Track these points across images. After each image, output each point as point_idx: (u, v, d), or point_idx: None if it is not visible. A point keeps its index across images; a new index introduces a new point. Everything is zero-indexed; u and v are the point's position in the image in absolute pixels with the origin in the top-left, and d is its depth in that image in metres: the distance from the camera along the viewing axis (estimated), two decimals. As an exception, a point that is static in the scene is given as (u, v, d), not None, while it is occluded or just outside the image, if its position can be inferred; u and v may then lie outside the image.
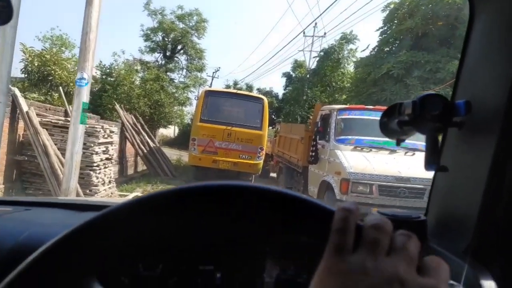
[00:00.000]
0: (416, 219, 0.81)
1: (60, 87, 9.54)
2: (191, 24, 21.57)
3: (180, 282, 0.61)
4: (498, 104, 0.66)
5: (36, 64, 10.57)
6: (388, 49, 14.50)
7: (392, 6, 13.95)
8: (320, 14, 36.41)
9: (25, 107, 6.47)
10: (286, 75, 26.34)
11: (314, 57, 23.15)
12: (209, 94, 10.98)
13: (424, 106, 0.71)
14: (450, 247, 0.72)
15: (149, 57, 21.47)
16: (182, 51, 22.23)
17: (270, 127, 13.40)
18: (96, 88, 14.80)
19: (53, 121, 6.93)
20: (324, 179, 6.66)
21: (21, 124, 6.67)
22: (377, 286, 0.34)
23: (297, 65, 25.46)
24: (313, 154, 7.14)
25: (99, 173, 7.29)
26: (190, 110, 22.41)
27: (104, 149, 7.51)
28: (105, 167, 7.62)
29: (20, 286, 0.43)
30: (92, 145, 6.99)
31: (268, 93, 26.35)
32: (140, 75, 17.65)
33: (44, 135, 6.49)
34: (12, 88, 6.51)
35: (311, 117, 19.56)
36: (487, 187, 0.66)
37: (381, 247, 0.36)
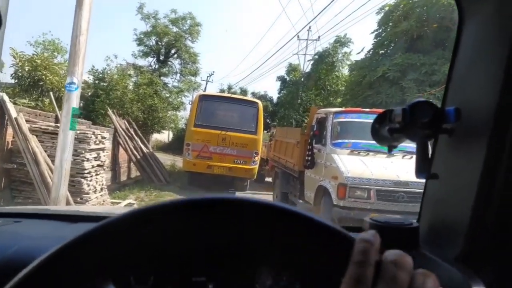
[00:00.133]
0: (408, 226, 0.81)
1: (51, 93, 9.36)
2: (184, 28, 21.49)
3: None
4: (489, 110, 0.67)
5: (26, 69, 10.39)
6: (383, 51, 14.46)
7: (386, 8, 13.94)
8: (314, 18, 36.50)
9: (13, 113, 6.30)
10: (281, 78, 26.33)
11: (308, 61, 23.17)
12: (203, 98, 10.88)
13: (414, 114, 0.71)
14: (442, 254, 0.73)
15: (142, 62, 21.36)
16: (175, 55, 22.12)
17: (265, 131, 13.28)
18: (89, 93, 14.63)
19: (43, 127, 6.76)
20: (321, 184, 6.54)
21: (10, 131, 6.49)
22: None
23: (292, 68, 25.47)
24: (309, 158, 7.01)
25: (91, 180, 7.12)
26: (184, 114, 22.26)
27: (96, 155, 7.34)
28: (96, 174, 7.44)
29: None
30: (83, 151, 6.82)
31: (262, 97, 26.27)
32: (133, 79, 17.49)
33: (34, 142, 6.32)
34: (0, 93, 6.34)
35: (306, 120, 19.63)
36: (478, 193, 0.67)
37: (400, 285, 0.36)
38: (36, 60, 10.56)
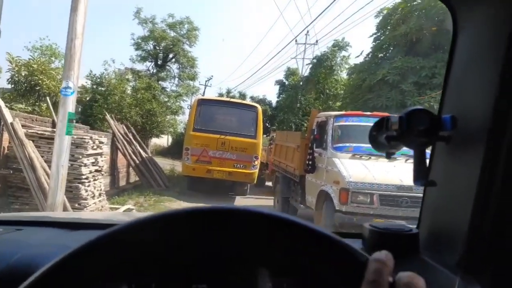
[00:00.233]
0: (408, 232, 0.83)
1: (48, 97, 9.25)
2: (182, 33, 21.43)
3: None
4: (485, 117, 0.67)
5: (23, 74, 10.29)
6: (382, 55, 14.40)
7: (385, 12, 13.90)
8: (312, 21, 36.58)
9: (9, 118, 6.19)
10: (279, 82, 26.30)
11: (307, 65, 23.15)
12: (202, 102, 10.80)
13: (410, 121, 0.72)
14: (441, 259, 0.74)
15: (140, 66, 21.27)
16: (173, 59, 22.06)
17: (264, 135, 13.20)
18: (87, 98, 14.54)
19: (39, 132, 6.65)
20: (322, 189, 6.43)
21: (5, 136, 6.39)
22: None
23: (290, 72, 25.44)
24: (310, 162, 6.91)
25: (88, 185, 7.01)
26: (183, 119, 22.20)
27: (93, 160, 7.23)
28: (94, 180, 7.33)
29: None
30: (81, 156, 6.71)
31: (261, 101, 26.18)
32: (131, 84, 17.40)
33: (30, 147, 6.21)
34: (-5, 98, 6.25)
35: (305, 124, 19.60)
36: (476, 199, 0.68)
37: None
38: (33, 65, 10.47)
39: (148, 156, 12.14)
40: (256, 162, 10.51)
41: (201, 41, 28.57)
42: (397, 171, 5.59)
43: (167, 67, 22.17)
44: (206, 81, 30.60)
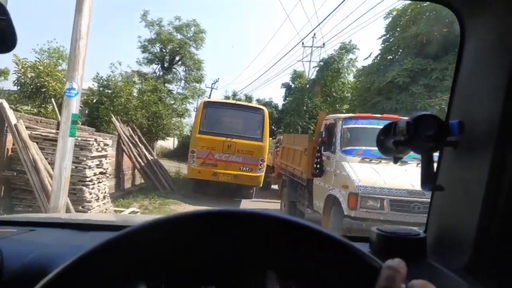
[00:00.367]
0: (415, 236, 0.84)
1: (53, 99, 9.21)
2: (189, 35, 21.37)
3: None
4: (492, 122, 0.68)
5: (29, 76, 10.26)
6: (391, 57, 14.19)
7: (394, 13, 13.69)
8: (318, 24, 36.43)
9: (13, 120, 6.12)
10: (286, 85, 26.20)
11: (313, 67, 23.01)
12: (208, 105, 10.72)
13: (418, 127, 0.73)
14: (449, 264, 0.75)
15: (147, 69, 21.24)
16: (180, 62, 22.00)
17: (270, 138, 13.08)
18: (94, 101, 14.54)
19: (43, 134, 6.58)
20: (330, 193, 6.28)
21: (9, 138, 6.32)
22: None
23: (296, 75, 25.33)
24: (318, 166, 6.76)
25: (93, 188, 6.92)
26: (189, 121, 22.10)
27: (98, 163, 7.15)
28: (99, 182, 7.24)
29: None
30: (85, 159, 6.63)
31: (267, 104, 26.09)
32: (137, 86, 17.38)
33: (34, 149, 6.13)
34: None
35: (312, 127, 19.45)
36: (483, 204, 0.68)
37: None
38: (39, 67, 10.44)
39: (153, 159, 12.06)
40: (262, 165, 10.39)
41: (207, 43, 28.52)
42: (408, 175, 5.41)
43: (174, 69, 22.12)
44: (212, 83, 30.61)
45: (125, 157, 11.09)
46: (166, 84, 19.90)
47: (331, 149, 6.63)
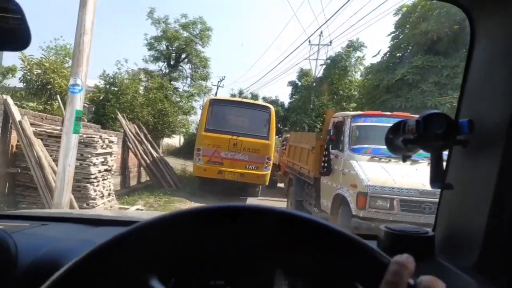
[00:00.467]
0: (424, 235, 0.84)
1: (58, 96, 9.17)
2: (195, 33, 21.29)
3: None
4: (502, 121, 0.68)
5: (35, 73, 10.24)
6: (400, 54, 13.94)
7: (404, 10, 13.44)
8: (325, 22, 36.20)
9: (18, 116, 6.07)
10: (292, 83, 26.04)
11: (320, 65, 22.82)
12: (214, 102, 10.62)
13: (427, 125, 0.74)
14: (457, 262, 0.75)
15: (153, 66, 21.21)
16: (186, 59, 21.93)
17: (276, 136, 12.96)
18: (100, 98, 14.53)
19: (48, 130, 6.52)
20: (338, 192, 6.14)
21: (14, 134, 6.27)
22: None
23: (303, 73, 25.17)
24: (326, 164, 6.62)
25: (97, 185, 6.86)
26: (195, 119, 22.05)
27: (103, 160, 7.08)
28: (103, 179, 7.18)
29: None
30: (90, 156, 6.57)
31: (274, 102, 25.93)
32: (143, 84, 17.35)
33: (38, 146, 6.08)
34: (4, 96, 6.13)
35: (318, 126, 19.28)
36: (492, 203, 0.68)
37: None
38: (45, 64, 10.40)
39: (159, 156, 12.01)
40: (268, 164, 10.29)
41: (213, 41, 28.44)
42: (419, 174, 5.26)
43: (180, 67, 22.06)
44: (218, 81, 30.48)
45: (131, 155, 11.05)
46: (172, 82, 19.85)
47: (339, 147, 6.49)
